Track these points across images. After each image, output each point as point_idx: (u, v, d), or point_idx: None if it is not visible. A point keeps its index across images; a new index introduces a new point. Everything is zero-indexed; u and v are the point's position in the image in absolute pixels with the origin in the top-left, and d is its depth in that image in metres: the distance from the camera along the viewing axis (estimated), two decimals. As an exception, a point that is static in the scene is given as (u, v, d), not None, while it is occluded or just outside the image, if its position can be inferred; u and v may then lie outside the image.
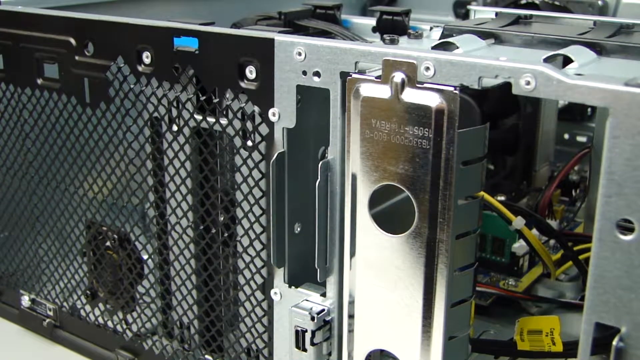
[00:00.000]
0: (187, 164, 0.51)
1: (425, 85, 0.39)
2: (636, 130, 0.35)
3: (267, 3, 0.75)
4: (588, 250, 0.46)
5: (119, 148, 0.54)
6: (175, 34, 0.48)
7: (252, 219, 0.49)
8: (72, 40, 0.54)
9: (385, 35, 0.52)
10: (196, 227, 0.53)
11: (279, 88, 0.45)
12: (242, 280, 0.51)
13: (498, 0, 0.87)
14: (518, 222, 0.55)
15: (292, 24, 0.67)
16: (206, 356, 0.56)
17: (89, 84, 0.54)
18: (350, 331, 0.45)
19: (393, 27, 0.69)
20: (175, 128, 0.51)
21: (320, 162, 0.44)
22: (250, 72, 0.46)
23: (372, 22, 0.73)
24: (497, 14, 0.62)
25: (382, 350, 0.45)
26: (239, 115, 0.48)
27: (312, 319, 0.46)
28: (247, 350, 0.53)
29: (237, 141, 0.48)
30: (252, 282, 0.51)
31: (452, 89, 0.38)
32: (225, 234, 0.52)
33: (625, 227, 0.36)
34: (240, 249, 0.50)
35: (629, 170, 0.35)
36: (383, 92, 0.40)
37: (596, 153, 0.63)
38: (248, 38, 0.46)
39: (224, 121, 0.48)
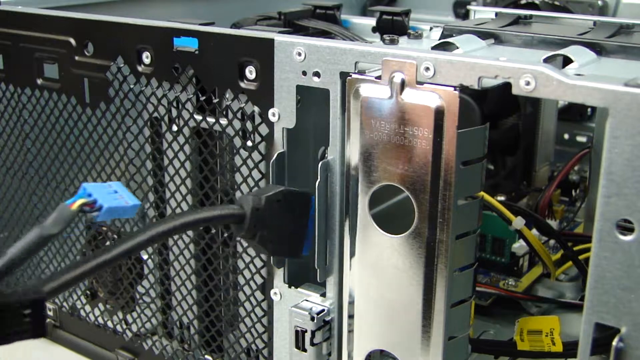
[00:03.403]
0: (187, 164, 0.51)
1: (425, 85, 0.39)
2: (636, 130, 0.35)
3: (267, 3, 0.75)
4: (588, 250, 0.46)
5: (119, 148, 0.54)
6: (175, 34, 0.48)
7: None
8: (72, 40, 0.54)
9: (385, 36, 0.52)
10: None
11: (278, 88, 0.45)
12: (242, 281, 0.51)
13: (498, 0, 0.87)
14: (518, 222, 0.55)
15: (292, 24, 0.67)
16: (206, 356, 0.56)
17: (89, 84, 0.54)
18: (350, 331, 0.46)
19: (393, 27, 0.69)
20: (175, 128, 0.51)
21: (320, 163, 0.44)
22: (250, 72, 0.46)
23: (372, 22, 0.73)
24: (497, 14, 0.62)
25: (382, 350, 0.45)
26: (238, 115, 0.48)
27: (312, 319, 0.46)
28: (247, 350, 0.53)
29: (237, 141, 0.48)
30: (252, 282, 0.51)
31: (452, 89, 0.39)
32: (225, 234, 0.52)
33: (625, 227, 0.36)
34: (240, 249, 0.50)
35: (629, 171, 0.35)
36: (383, 92, 0.40)
37: (596, 153, 0.63)
38: (248, 38, 0.46)
39: (223, 121, 0.48)
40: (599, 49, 0.50)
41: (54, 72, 0.56)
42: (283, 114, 0.45)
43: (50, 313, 0.65)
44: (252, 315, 0.51)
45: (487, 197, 0.52)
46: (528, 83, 0.37)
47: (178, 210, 0.53)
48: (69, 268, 0.35)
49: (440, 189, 0.40)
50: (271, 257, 0.48)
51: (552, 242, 0.66)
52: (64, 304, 0.64)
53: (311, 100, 0.46)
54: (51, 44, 0.55)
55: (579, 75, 0.38)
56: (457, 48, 0.51)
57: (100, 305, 0.61)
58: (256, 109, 0.47)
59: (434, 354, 0.42)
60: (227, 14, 0.71)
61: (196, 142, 0.51)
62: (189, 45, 0.48)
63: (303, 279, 0.49)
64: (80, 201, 0.37)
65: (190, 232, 0.53)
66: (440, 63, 0.39)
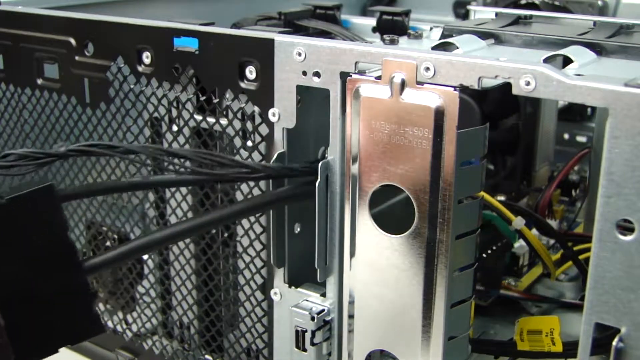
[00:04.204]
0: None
1: (425, 85, 0.39)
2: (636, 130, 0.35)
3: (267, 3, 0.75)
4: (588, 250, 0.46)
5: (119, 148, 0.54)
6: (175, 34, 0.48)
7: (252, 220, 0.49)
8: (72, 40, 0.54)
9: (385, 36, 0.52)
10: (196, 227, 0.53)
11: (279, 88, 0.45)
12: (242, 281, 0.51)
13: (498, 0, 0.87)
14: (518, 222, 0.55)
15: (292, 24, 0.67)
16: (206, 356, 0.56)
17: (89, 84, 0.54)
18: (350, 331, 0.46)
19: (393, 27, 0.69)
20: (175, 128, 0.51)
21: (320, 162, 0.44)
22: (250, 72, 0.46)
23: (372, 22, 0.73)
24: (497, 14, 0.62)
25: (382, 350, 0.45)
26: (239, 115, 0.48)
27: (312, 319, 0.46)
28: (247, 350, 0.53)
29: (237, 141, 0.48)
30: (252, 282, 0.51)
31: (452, 89, 0.39)
32: (225, 234, 0.52)
33: (625, 227, 0.36)
34: (240, 249, 0.50)
35: (629, 171, 0.35)
36: (383, 92, 0.40)
37: (596, 153, 0.63)
38: (248, 38, 0.46)
39: (224, 121, 0.48)
40: (599, 49, 0.50)
41: (54, 72, 0.56)
42: (283, 114, 0.45)
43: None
44: (252, 315, 0.51)
45: (487, 197, 0.52)
46: (528, 83, 0.37)
47: (178, 210, 0.53)
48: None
49: (440, 189, 0.40)
50: (271, 257, 0.48)
51: (552, 242, 0.66)
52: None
53: (311, 100, 0.46)
54: (51, 44, 0.55)
55: (579, 75, 0.38)
56: (457, 48, 0.51)
57: (100, 305, 0.61)
58: (256, 109, 0.47)
59: (434, 354, 0.42)
60: (227, 14, 0.71)
61: (196, 142, 0.51)
62: (189, 45, 0.48)
63: (303, 279, 0.49)
64: None
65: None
66: (440, 63, 0.39)
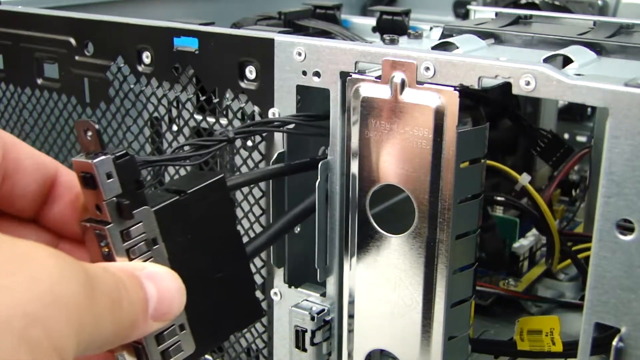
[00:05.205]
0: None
1: (425, 85, 0.39)
2: (636, 130, 0.35)
3: (267, 3, 0.75)
4: (588, 250, 0.46)
5: (119, 148, 0.54)
6: (175, 34, 0.48)
7: (252, 219, 0.49)
8: (72, 40, 0.54)
9: (385, 35, 0.52)
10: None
11: (279, 88, 0.45)
12: (242, 280, 0.51)
13: (498, 0, 0.87)
14: (525, 177, 0.55)
15: (292, 24, 0.67)
16: (206, 356, 0.55)
17: (89, 84, 0.54)
18: (350, 331, 0.46)
19: (393, 27, 0.69)
20: (175, 128, 0.51)
21: (320, 162, 0.44)
22: (250, 72, 0.46)
23: (372, 22, 0.73)
24: (497, 14, 0.62)
25: (382, 350, 0.45)
26: (239, 115, 0.48)
27: (312, 318, 0.46)
28: (247, 350, 0.53)
29: (237, 141, 0.48)
30: (252, 282, 0.50)
31: (452, 89, 0.39)
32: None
33: (625, 227, 0.36)
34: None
35: (629, 171, 0.35)
36: (383, 92, 0.40)
37: (596, 153, 0.63)
38: (248, 38, 0.46)
39: (224, 121, 0.48)
40: (599, 49, 0.50)
41: (54, 72, 0.56)
42: (283, 113, 0.45)
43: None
44: (252, 315, 0.51)
45: (490, 162, 0.52)
46: (528, 83, 0.37)
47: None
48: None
49: (440, 189, 0.40)
50: (271, 257, 0.48)
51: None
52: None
53: (311, 100, 0.46)
54: (51, 44, 0.55)
55: (579, 75, 0.38)
56: (457, 48, 0.51)
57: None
58: (256, 109, 0.47)
59: (434, 354, 0.42)
60: (227, 14, 0.71)
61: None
62: (189, 45, 0.48)
63: (303, 279, 0.49)
64: None
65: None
66: (440, 63, 0.39)
